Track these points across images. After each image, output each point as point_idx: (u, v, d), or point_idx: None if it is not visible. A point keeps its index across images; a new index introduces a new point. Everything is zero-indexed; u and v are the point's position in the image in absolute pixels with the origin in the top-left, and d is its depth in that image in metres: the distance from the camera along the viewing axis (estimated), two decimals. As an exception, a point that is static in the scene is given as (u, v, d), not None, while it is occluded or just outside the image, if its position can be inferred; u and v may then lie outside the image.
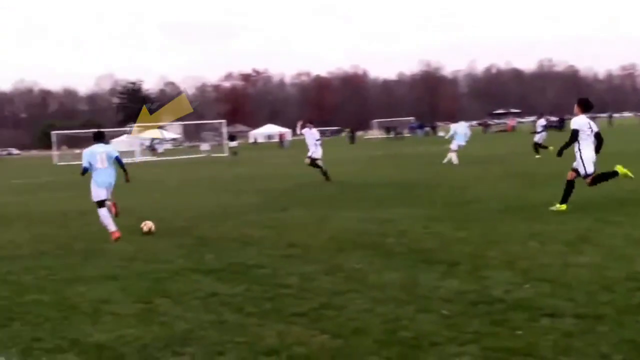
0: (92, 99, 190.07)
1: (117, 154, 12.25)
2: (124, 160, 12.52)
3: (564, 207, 11.73)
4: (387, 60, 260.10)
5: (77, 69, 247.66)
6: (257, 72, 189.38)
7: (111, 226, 11.56)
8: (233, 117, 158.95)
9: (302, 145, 24.53)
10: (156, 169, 39.29)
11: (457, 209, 12.93)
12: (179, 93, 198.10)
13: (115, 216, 11.95)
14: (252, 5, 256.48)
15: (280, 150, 60.45)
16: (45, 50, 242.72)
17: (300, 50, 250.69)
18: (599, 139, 12.00)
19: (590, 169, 11.76)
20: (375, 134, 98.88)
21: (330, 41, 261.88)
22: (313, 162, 21.42)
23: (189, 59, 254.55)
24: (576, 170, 11.92)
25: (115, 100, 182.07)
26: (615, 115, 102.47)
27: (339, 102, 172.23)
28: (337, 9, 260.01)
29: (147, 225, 12.12)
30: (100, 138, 12.27)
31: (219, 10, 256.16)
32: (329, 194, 16.93)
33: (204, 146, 76.49)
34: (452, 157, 26.33)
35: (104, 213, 11.65)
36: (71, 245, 11.13)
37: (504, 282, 6.92)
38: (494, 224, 10.76)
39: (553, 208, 11.79)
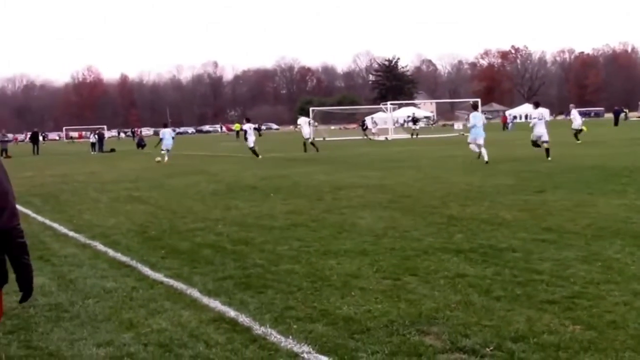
0: (348, 75, 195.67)
1: (174, 134, 33.81)
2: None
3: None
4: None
5: (336, 45, 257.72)
6: (516, 49, 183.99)
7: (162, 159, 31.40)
8: (488, 95, 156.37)
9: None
10: (409, 146, 39.75)
11: None
12: (435, 71, 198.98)
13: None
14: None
15: (502, 133, 56.93)
16: (305, 28, 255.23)
17: (563, 26, 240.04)
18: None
19: None
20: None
21: (596, 17, 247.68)
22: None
23: (446, 35, 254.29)
24: None
25: (371, 77, 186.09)
26: None
27: (603, 81, 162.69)
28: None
29: (158, 160, 30.25)
30: (166, 126, 34.24)
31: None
32: (588, 179, 16.04)
33: (457, 125, 75.99)
34: None
35: (168, 155, 31.42)
36: (325, 218, 11.50)
37: None
38: None
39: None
